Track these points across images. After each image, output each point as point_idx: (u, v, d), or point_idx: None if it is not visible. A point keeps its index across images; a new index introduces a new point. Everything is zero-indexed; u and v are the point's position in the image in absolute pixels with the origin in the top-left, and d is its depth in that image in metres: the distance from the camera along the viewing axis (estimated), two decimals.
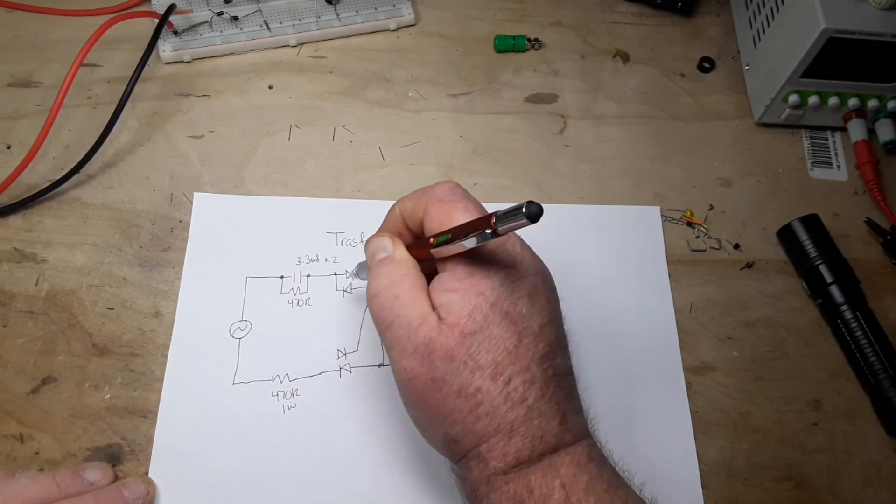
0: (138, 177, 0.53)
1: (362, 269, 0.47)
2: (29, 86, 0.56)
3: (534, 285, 0.37)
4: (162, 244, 0.51)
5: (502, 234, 0.33)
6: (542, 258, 0.39)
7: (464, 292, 0.36)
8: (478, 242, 0.34)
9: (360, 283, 0.50)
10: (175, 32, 0.58)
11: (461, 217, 0.37)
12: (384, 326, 0.37)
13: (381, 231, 0.42)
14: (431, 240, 0.37)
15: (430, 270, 0.38)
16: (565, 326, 0.40)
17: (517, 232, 0.35)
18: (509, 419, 0.35)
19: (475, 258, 0.36)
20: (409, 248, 0.39)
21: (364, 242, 0.40)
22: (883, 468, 0.49)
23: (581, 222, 0.54)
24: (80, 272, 0.49)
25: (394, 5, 0.61)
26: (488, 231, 0.33)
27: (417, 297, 0.37)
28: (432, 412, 0.36)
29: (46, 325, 0.48)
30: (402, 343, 0.36)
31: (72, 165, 0.52)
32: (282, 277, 0.50)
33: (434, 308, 0.36)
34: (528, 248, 0.39)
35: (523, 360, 0.35)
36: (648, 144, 0.59)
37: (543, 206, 0.31)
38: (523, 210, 0.31)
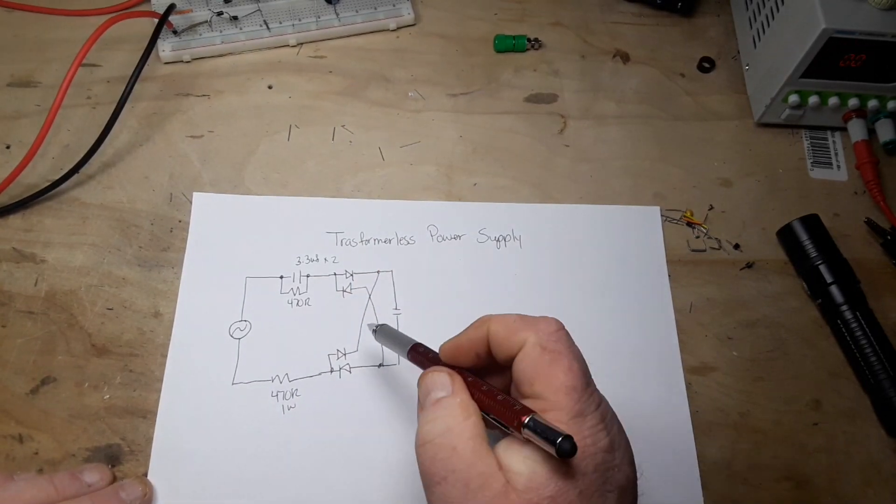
0: (138, 177, 0.53)
1: (383, 336, 0.43)
2: (29, 86, 0.56)
3: (627, 478, 0.32)
4: (161, 244, 0.51)
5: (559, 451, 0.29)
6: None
7: (551, 468, 0.30)
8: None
9: (359, 283, 0.51)
10: (175, 32, 0.58)
11: (561, 378, 0.32)
12: (434, 481, 0.31)
13: (456, 343, 0.36)
14: (523, 418, 0.31)
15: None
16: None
17: None
18: None
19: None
20: (472, 390, 0.34)
21: (419, 377, 0.35)
22: (883, 468, 0.49)
23: (581, 222, 0.54)
24: (80, 272, 0.49)
25: (394, 5, 0.61)
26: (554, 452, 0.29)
27: (479, 452, 0.31)
28: None
29: (46, 325, 0.48)
30: None
31: (71, 165, 0.52)
32: (281, 277, 0.50)
33: (501, 468, 0.31)
34: (624, 434, 0.34)
35: None
36: (648, 144, 0.59)
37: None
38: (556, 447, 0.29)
